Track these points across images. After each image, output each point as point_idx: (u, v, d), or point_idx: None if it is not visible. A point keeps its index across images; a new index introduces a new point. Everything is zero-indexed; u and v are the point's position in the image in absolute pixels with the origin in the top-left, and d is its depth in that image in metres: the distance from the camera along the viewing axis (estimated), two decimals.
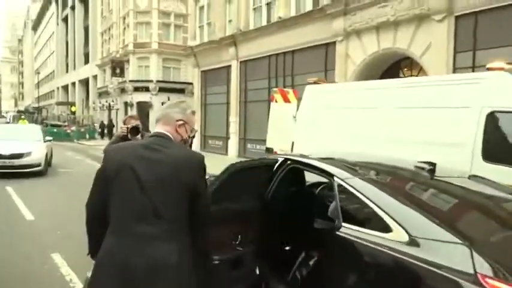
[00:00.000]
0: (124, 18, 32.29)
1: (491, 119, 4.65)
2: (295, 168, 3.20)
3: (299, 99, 7.77)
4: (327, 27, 12.93)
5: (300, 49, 14.58)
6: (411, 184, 2.60)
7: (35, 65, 75.97)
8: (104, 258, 1.85)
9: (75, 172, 12.52)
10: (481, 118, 4.71)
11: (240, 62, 18.03)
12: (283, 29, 14.95)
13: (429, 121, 5.21)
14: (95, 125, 35.74)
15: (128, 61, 31.29)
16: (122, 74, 31.13)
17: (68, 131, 31.65)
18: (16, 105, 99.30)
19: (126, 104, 31.58)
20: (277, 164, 3.23)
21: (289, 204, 3.45)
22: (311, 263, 3.15)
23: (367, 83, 7.11)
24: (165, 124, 2.03)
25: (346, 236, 2.23)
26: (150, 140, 2.00)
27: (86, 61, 44.67)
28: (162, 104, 20.20)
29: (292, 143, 7.46)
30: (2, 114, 71.11)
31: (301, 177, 3.65)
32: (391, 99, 5.76)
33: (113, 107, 34.19)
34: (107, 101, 35.81)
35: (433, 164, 2.73)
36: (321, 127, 6.71)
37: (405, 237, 1.95)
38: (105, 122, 33.10)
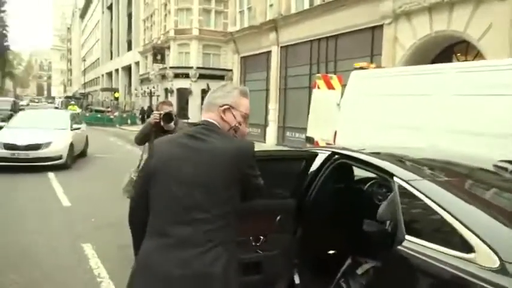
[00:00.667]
0: (165, 5, 32.42)
1: None
2: (343, 164, 2.77)
3: (343, 86, 7.25)
4: (374, 10, 12.13)
5: (344, 33, 13.85)
6: (495, 190, 2.09)
7: (81, 52, 78.67)
8: (139, 264, 1.66)
9: (116, 158, 12.60)
10: None
11: (281, 47, 17.49)
12: (326, 13, 14.24)
13: (491, 110, 4.57)
14: (135, 110, 36.45)
15: (168, 48, 31.48)
16: (162, 60, 31.39)
17: (111, 116, 32.46)
18: (65, 91, 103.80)
19: (166, 90, 31.89)
20: (322, 158, 2.83)
21: (334, 204, 3.04)
22: (359, 272, 2.75)
23: (420, 67, 6.46)
24: (208, 111, 1.80)
25: (409, 251, 1.79)
26: (194, 129, 1.78)
27: (129, 48, 45.53)
28: (203, 90, 20.31)
29: (335, 132, 6.98)
30: (51, 100, 74.38)
31: (350, 174, 3.21)
32: (447, 85, 5.13)
33: (153, 93, 34.69)
34: (148, 88, 36.38)
35: None
36: (368, 116, 6.17)
37: (494, 262, 1.49)
38: (145, 108, 33.69)
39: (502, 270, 1.46)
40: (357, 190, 3.35)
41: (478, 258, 1.55)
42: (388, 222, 3.10)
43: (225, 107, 1.77)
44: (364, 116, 6.25)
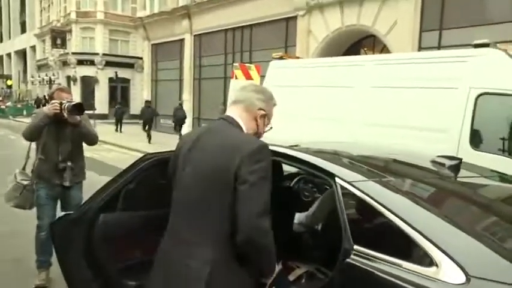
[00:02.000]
0: None
1: (481, 101, 4.18)
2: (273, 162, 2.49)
3: (262, 77, 7.04)
4: (288, 1, 12.17)
5: (259, 23, 13.75)
6: (449, 193, 1.95)
7: None
8: (155, 263, 1.71)
9: (9, 155, 11.04)
10: (470, 100, 4.24)
11: (194, 35, 16.89)
12: (241, 1, 13.99)
13: (410, 103, 4.68)
14: (31, 100, 32.94)
15: (70, 31, 28.79)
16: (63, 45, 28.60)
17: (2, 106, 28.92)
18: None
19: (68, 78, 29.21)
20: None
21: None
22: (291, 278, 2.51)
23: (341, 58, 6.50)
24: (245, 110, 1.77)
25: (359, 264, 1.56)
26: (214, 124, 1.78)
27: (23, 30, 40.85)
28: (110, 79, 18.80)
29: None
30: None
31: (279, 171, 2.95)
32: (367, 77, 5.17)
33: (53, 81, 31.52)
34: (47, 75, 33.03)
35: (457, 159, 2.12)
36: (287, 109, 5.98)
37: (459, 277, 1.31)
38: (41, 97, 30.54)
39: (467, 286, 1.28)
40: (283, 188, 3.11)
41: (441, 273, 1.36)
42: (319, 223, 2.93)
43: (263, 112, 1.80)
44: (284, 109, 6.08)
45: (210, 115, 15.61)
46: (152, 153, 1.83)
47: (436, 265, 1.38)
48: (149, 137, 15.59)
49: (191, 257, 1.57)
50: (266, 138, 3.37)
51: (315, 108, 5.62)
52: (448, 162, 2.10)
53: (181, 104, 15.92)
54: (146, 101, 18.03)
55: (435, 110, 4.46)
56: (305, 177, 3.82)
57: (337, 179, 1.85)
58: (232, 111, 1.77)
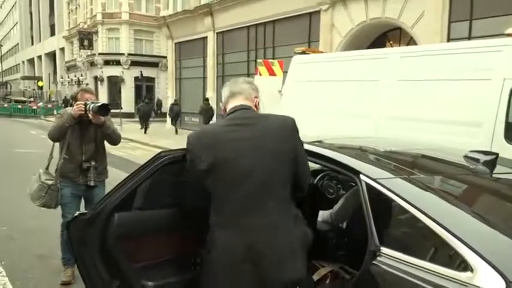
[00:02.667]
0: None
1: None
2: None
3: (285, 73, 6.94)
4: None
5: (281, 19, 13.61)
6: (484, 191, 1.82)
7: None
8: (222, 257, 1.68)
9: (40, 153, 11.35)
10: (504, 92, 4.01)
11: (217, 33, 16.90)
12: None
13: (439, 96, 4.48)
14: (60, 101, 33.88)
15: (96, 32, 29.42)
16: (90, 46, 29.26)
17: (34, 107, 29.84)
18: None
19: (96, 78, 29.89)
20: None
21: None
22: (315, 278, 2.43)
23: (365, 51, 6.31)
24: (246, 99, 1.92)
25: (386, 268, 1.46)
26: (237, 115, 1.84)
27: (52, 33, 42.05)
28: (136, 78, 19.31)
29: None
30: None
31: None
32: (393, 70, 4.98)
33: (82, 81, 32.35)
34: (75, 76, 33.89)
35: (493, 154, 1.97)
36: (311, 103, 5.91)
37: (499, 284, 1.20)
38: (69, 97, 31.36)
39: None
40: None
41: (477, 279, 1.24)
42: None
43: (258, 99, 1.98)
44: (307, 104, 5.98)
45: None
46: (167, 151, 1.78)
47: (471, 270, 1.27)
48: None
49: (278, 227, 1.69)
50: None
51: (339, 103, 5.48)
52: (482, 158, 1.95)
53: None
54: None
55: (467, 102, 4.25)
56: (329, 173, 3.72)
57: (362, 176, 1.76)
58: (239, 101, 1.89)
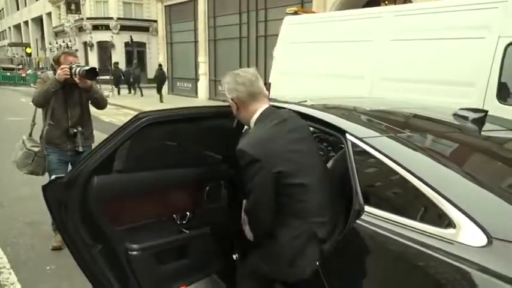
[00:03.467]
0: None
1: (511, 51, 3.87)
2: None
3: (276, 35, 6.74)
4: None
5: None
6: (470, 148, 1.77)
7: None
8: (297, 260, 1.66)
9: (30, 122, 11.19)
10: (498, 50, 3.93)
11: None
12: None
13: (433, 56, 4.39)
14: (49, 67, 33.21)
15: None
16: (77, 10, 28.34)
17: (23, 74, 29.28)
18: None
19: (85, 44, 29.19)
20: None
21: None
22: None
23: (358, 11, 6.10)
24: (266, 97, 1.90)
25: (370, 227, 1.44)
26: (274, 117, 1.81)
27: None
28: (126, 44, 18.81)
29: (269, 84, 6.56)
30: None
31: None
32: (386, 30, 4.86)
33: (71, 47, 31.54)
34: (64, 42, 33.02)
35: (482, 112, 1.93)
36: (303, 65, 5.79)
37: (480, 239, 1.18)
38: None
39: (489, 249, 1.15)
40: None
41: (460, 235, 1.23)
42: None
43: None
44: (299, 66, 5.86)
45: None
46: (145, 112, 1.72)
47: (454, 226, 1.25)
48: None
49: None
50: (280, 96, 3.21)
51: (332, 65, 5.37)
52: (471, 115, 1.91)
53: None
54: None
55: (460, 62, 4.17)
56: (319, 136, 3.68)
57: (347, 136, 1.71)
58: (264, 102, 1.86)
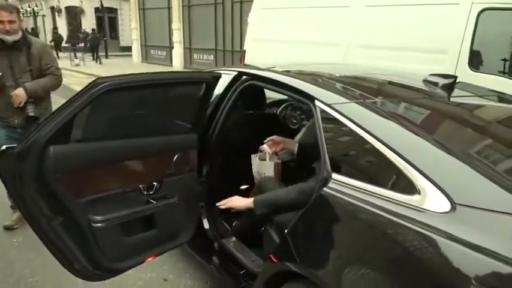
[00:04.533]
0: None
1: (484, 18, 3.86)
2: (252, 86, 2.29)
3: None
4: None
5: None
6: (438, 114, 1.75)
7: None
8: None
9: None
10: (471, 17, 3.91)
11: None
12: None
13: (406, 22, 4.35)
14: None
15: None
16: None
17: None
18: None
19: (52, 9, 27.81)
20: (226, 81, 2.32)
21: (244, 132, 2.62)
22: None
23: None
24: None
25: (337, 194, 1.42)
26: None
27: None
28: (96, 9, 18.19)
29: (244, 52, 6.43)
30: None
31: (261, 97, 2.75)
32: None
33: (37, 12, 30.08)
34: (29, 6, 31.34)
35: (452, 77, 1.91)
36: (277, 32, 5.67)
37: (444, 205, 1.18)
38: (29, 30, 29.28)
39: (453, 214, 1.15)
40: (269, 115, 2.93)
41: (423, 201, 1.22)
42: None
43: None
44: (273, 32, 5.73)
45: (203, 44, 15.01)
46: (104, 78, 1.62)
47: (419, 193, 1.24)
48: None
49: None
50: (255, 63, 3.10)
51: (307, 32, 5.27)
52: (441, 81, 1.89)
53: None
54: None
55: (434, 28, 4.14)
56: (292, 103, 3.63)
57: (316, 102, 1.67)
58: None
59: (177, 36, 16.36)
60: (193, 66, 15.65)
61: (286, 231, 1.62)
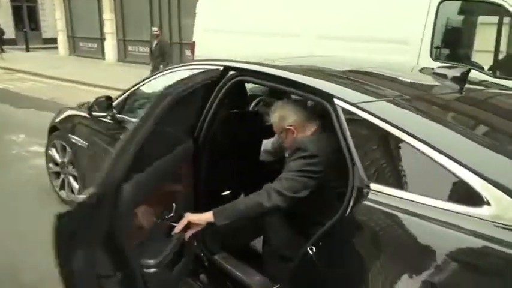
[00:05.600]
0: None
1: (444, 8, 3.91)
2: (238, 83, 2.04)
3: None
4: None
5: None
6: (477, 113, 1.59)
7: None
8: None
9: None
10: (432, 7, 3.95)
11: None
12: None
13: (368, 12, 4.31)
14: None
15: None
16: None
17: None
18: None
19: None
20: (206, 76, 2.04)
21: (230, 134, 2.36)
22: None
23: None
24: None
25: (381, 207, 1.24)
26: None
27: None
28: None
29: (193, 43, 6.08)
30: None
31: (242, 94, 2.50)
32: None
33: None
34: None
35: (464, 68, 1.80)
36: (235, 24, 5.39)
37: None
38: None
39: None
40: (251, 114, 2.70)
41: (496, 212, 1.07)
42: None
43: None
44: (227, 23, 5.45)
45: (138, 35, 14.20)
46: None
47: (487, 203, 1.09)
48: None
49: None
50: (208, 56, 2.83)
51: (265, 22, 5.05)
52: (450, 73, 1.77)
53: None
54: None
55: (395, 19, 4.13)
56: (264, 99, 3.43)
57: (336, 101, 1.47)
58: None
59: (109, 27, 15.33)
60: (128, 59, 14.80)
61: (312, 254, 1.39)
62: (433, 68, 2.03)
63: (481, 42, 3.99)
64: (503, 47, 3.84)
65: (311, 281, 1.42)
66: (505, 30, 3.69)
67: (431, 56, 3.97)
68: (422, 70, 1.88)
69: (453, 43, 4.01)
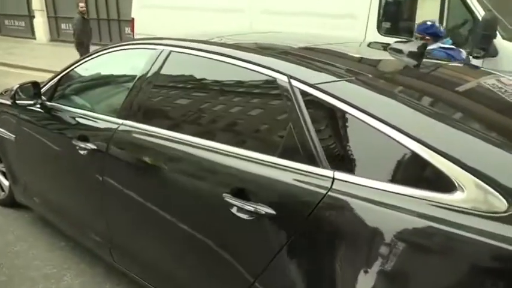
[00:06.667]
0: None
1: None
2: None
3: None
4: None
5: None
6: (435, 87, 1.51)
7: None
8: None
9: None
10: None
11: None
12: None
13: None
14: None
15: None
16: None
17: None
18: None
19: None
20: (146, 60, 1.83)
21: None
22: None
23: None
24: None
25: (344, 197, 1.14)
26: None
27: None
28: None
29: (132, 19, 5.68)
30: None
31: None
32: None
33: None
34: None
35: (419, 44, 1.72)
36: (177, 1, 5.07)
37: (499, 204, 0.97)
38: None
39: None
40: None
41: (470, 200, 1.00)
42: None
43: None
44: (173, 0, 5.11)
45: (71, 12, 13.15)
46: None
47: (461, 189, 1.01)
48: None
49: None
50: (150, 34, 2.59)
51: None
52: (406, 48, 1.69)
53: None
54: None
55: None
56: None
57: (293, 82, 1.33)
58: None
59: (38, 3, 14.09)
60: (61, 38, 13.74)
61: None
62: (383, 43, 1.96)
63: (426, 15, 4.02)
64: (446, 19, 3.89)
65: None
66: (447, 2, 3.72)
67: (378, 30, 3.95)
68: (374, 45, 1.79)
69: (400, 17, 4.01)
